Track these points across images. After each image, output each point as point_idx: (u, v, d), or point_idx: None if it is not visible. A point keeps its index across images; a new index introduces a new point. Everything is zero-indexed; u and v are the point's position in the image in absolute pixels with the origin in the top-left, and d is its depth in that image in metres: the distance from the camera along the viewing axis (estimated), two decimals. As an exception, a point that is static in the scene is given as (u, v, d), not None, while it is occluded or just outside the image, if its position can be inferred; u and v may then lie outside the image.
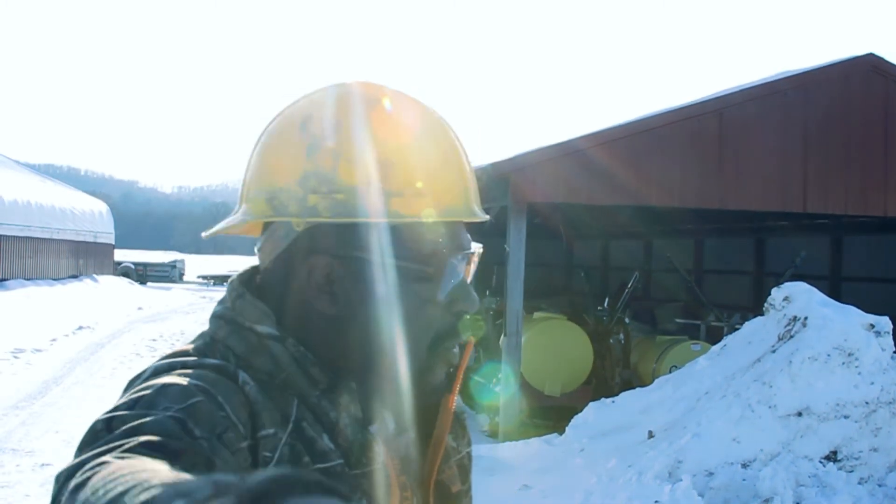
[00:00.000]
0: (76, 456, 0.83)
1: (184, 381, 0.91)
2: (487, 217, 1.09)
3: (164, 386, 0.90)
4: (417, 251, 1.02)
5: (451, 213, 1.04)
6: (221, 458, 0.84)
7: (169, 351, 1.05)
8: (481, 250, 1.10)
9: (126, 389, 0.98)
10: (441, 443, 1.12)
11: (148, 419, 0.83)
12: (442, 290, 1.04)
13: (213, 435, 0.86)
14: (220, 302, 1.09)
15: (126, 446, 0.77)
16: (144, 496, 0.61)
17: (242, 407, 0.93)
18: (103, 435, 0.83)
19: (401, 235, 1.01)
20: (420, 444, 1.13)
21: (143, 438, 0.79)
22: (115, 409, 0.88)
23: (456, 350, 1.08)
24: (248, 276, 1.10)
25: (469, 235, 1.10)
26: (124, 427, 0.82)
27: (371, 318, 1.02)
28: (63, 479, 0.75)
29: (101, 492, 0.66)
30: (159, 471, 0.68)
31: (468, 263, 1.08)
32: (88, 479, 0.71)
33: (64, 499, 0.73)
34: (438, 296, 1.04)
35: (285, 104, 1.09)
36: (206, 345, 1.04)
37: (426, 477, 1.11)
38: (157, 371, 0.97)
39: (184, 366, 0.97)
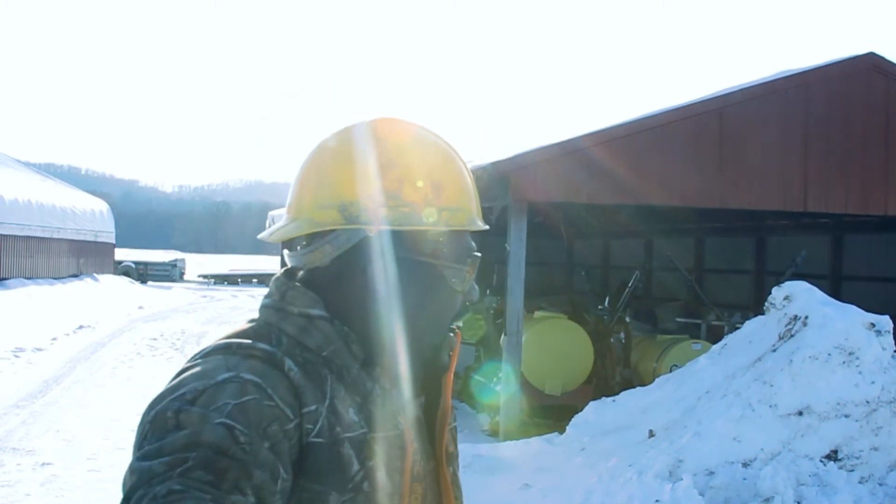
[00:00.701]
0: (142, 432, 1.10)
1: (240, 374, 1.12)
2: (488, 227, 1.39)
3: (225, 381, 1.11)
4: (457, 254, 1.31)
5: (474, 224, 1.33)
6: (258, 460, 1.07)
7: (229, 330, 1.28)
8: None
9: (190, 360, 1.20)
10: (447, 409, 1.37)
11: (206, 427, 1.06)
12: (468, 284, 1.33)
13: (258, 432, 1.08)
14: (267, 296, 1.32)
15: (187, 465, 1.02)
16: None
17: (288, 391, 1.15)
18: (172, 429, 1.06)
19: (446, 241, 1.30)
20: (428, 409, 1.38)
21: (199, 456, 1.03)
22: (183, 394, 1.10)
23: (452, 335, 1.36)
24: (292, 274, 1.34)
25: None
26: (187, 430, 1.06)
27: (417, 304, 1.28)
28: (132, 484, 1.03)
29: None
30: None
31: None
32: None
33: None
34: (466, 288, 1.33)
35: (333, 132, 1.37)
36: (261, 326, 1.26)
37: (439, 436, 1.36)
38: (217, 349, 1.19)
39: (239, 347, 1.18)
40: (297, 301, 1.27)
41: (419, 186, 1.27)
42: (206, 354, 1.18)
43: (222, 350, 1.18)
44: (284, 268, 1.37)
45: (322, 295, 1.28)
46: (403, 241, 1.27)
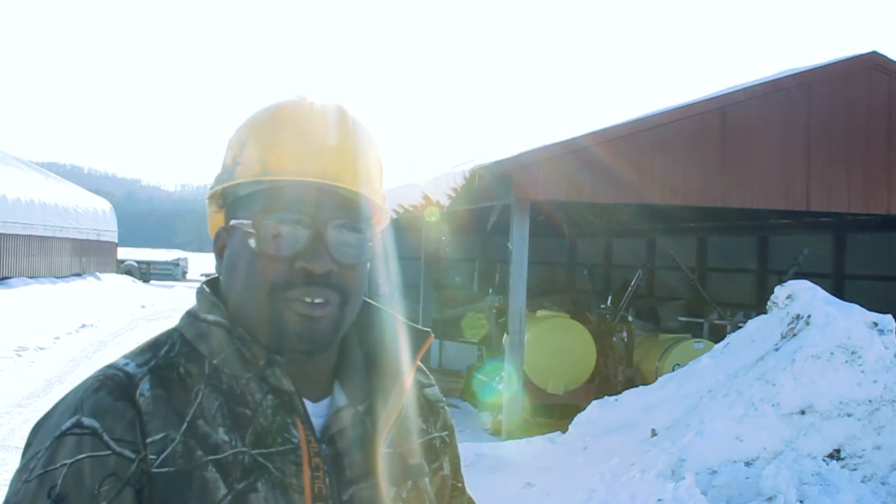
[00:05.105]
0: (16, 476, 1.15)
1: (81, 419, 1.12)
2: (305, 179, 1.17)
3: (66, 433, 1.11)
4: (248, 211, 1.19)
5: (264, 174, 1.18)
6: None
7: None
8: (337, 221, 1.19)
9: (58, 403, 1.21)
10: (389, 417, 1.24)
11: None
12: (261, 243, 1.16)
13: (90, 496, 1.07)
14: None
15: None
16: None
17: (128, 427, 1.11)
18: (12, 497, 1.10)
19: (241, 201, 1.21)
20: (374, 417, 1.24)
21: None
22: (35, 454, 1.14)
23: (308, 301, 1.16)
24: (216, 276, 1.30)
25: (335, 207, 1.18)
26: None
27: (231, 274, 1.22)
28: None
29: None
30: None
31: (325, 228, 1.17)
32: None
33: None
34: (261, 248, 1.16)
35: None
36: (166, 332, 1.25)
37: (371, 448, 1.23)
38: (96, 373, 1.19)
39: (105, 375, 1.17)
40: (200, 305, 1.24)
41: (231, 148, 1.24)
42: (87, 379, 1.19)
43: (94, 377, 1.18)
44: None
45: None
46: (229, 210, 1.24)
